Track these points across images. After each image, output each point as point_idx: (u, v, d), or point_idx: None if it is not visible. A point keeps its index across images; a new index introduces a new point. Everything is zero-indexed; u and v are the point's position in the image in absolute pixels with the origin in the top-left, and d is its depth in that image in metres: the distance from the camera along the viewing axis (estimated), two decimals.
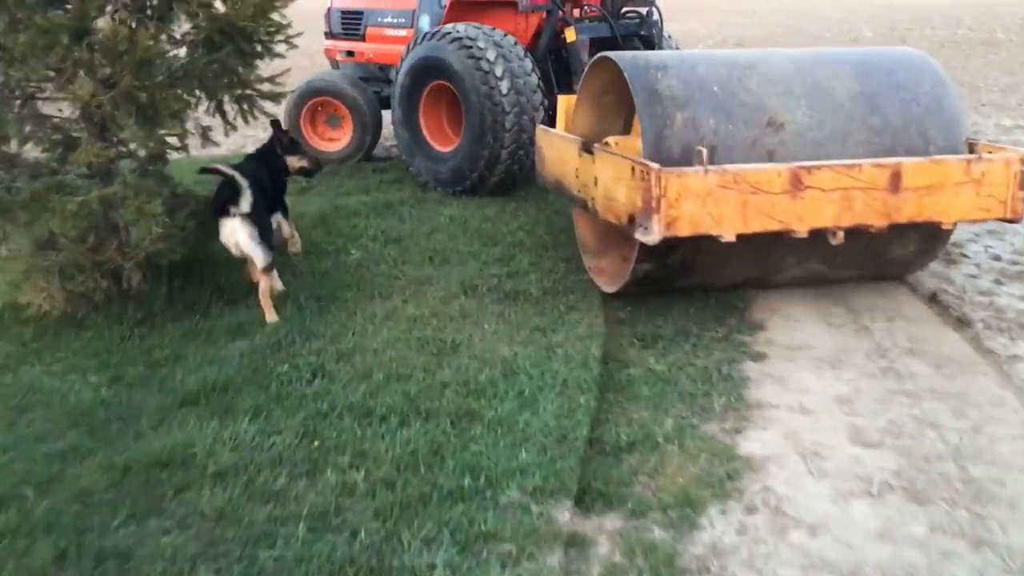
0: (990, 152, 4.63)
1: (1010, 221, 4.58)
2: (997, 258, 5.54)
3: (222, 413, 3.52)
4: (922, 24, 22.57)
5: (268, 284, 4.71)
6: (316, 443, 3.27)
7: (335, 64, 8.86)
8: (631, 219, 4.40)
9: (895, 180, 4.38)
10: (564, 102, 5.73)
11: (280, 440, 3.29)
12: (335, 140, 8.53)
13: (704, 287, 5.02)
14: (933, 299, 4.92)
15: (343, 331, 4.41)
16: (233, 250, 4.76)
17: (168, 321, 4.52)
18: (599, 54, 5.13)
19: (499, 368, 3.94)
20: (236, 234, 4.70)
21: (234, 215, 4.66)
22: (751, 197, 4.26)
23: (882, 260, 5.02)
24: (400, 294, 4.94)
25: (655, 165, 4.19)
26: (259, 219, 4.77)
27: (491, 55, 6.83)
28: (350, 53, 8.67)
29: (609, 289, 5.11)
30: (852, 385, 3.94)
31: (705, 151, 4.24)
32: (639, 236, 4.30)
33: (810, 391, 3.89)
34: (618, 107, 5.47)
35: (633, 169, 4.34)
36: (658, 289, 4.99)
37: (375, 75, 8.58)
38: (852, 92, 4.68)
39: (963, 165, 4.46)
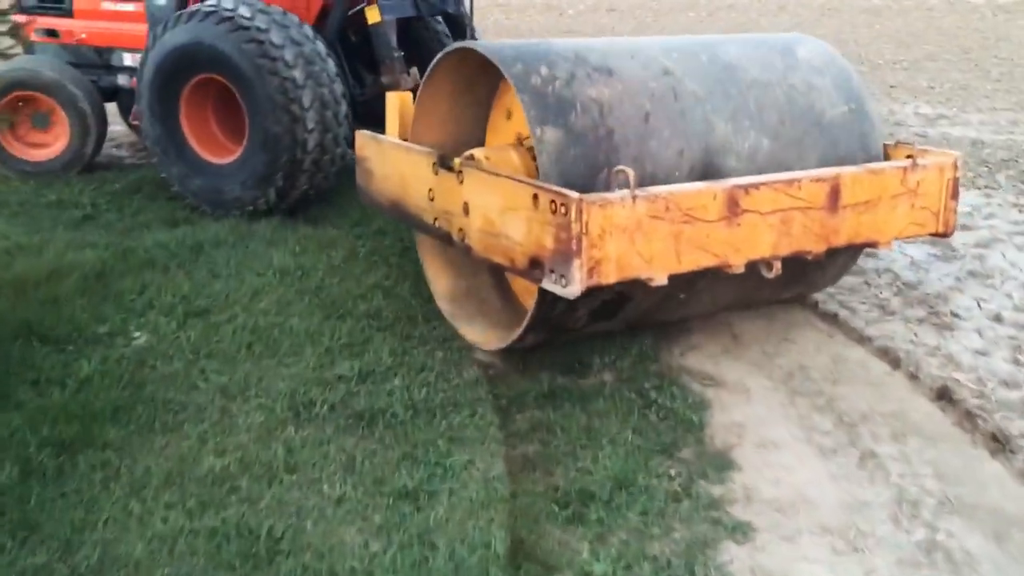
0: (911, 156, 4.01)
1: (941, 236, 4.00)
2: (999, 319, 4.29)
3: None
4: None
5: None
6: None
7: (28, 46, 6.90)
8: (534, 263, 3.31)
9: (834, 196, 3.65)
10: (397, 101, 4.50)
11: None
12: (44, 145, 6.59)
13: (612, 330, 4.04)
14: (944, 397, 3.60)
15: (89, 519, 2.65)
16: None
17: None
18: (458, 44, 3.95)
19: None
20: None
21: None
22: (684, 228, 3.32)
23: (801, 283, 4.30)
24: (196, 421, 3.22)
25: (574, 194, 3.11)
26: None
27: (279, 40, 5.39)
28: (51, 32, 6.81)
29: (484, 345, 4.00)
30: None
31: (631, 172, 3.23)
32: (550, 286, 3.22)
33: None
34: (477, 110, 4.34)
35: (537, 197, 3.23)
36: (555, 341, 3.95)
37: (89, 60, 6.76)
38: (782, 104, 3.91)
39: (900, 174, 3.83)
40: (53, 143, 6.60)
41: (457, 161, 3.76)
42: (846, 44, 13.40)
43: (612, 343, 3.92)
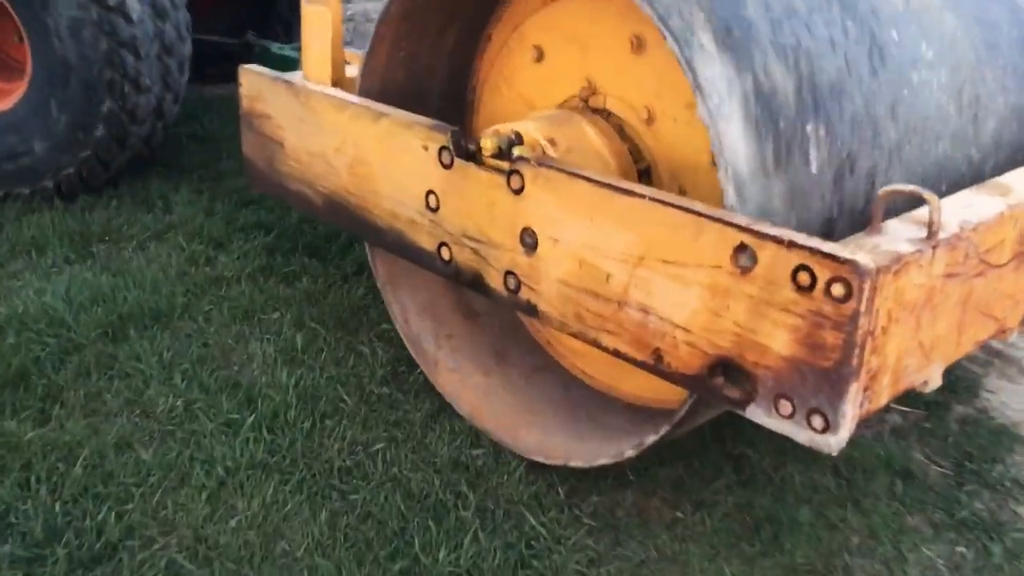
0: None
1: None
2: None
3: None
4: None
5: None
6: None
7: None
8: (721, 370, 1.71)
9: None
10: (324, 17, 2.61)
11: None
12: None
13: None
14: None
15: None
16: None
17: None
18: None
19: None
20: None
21: None
22: (975, 285, 1.82)
23: None
24: None
25: (863, 258, 1.52)
26: None
27: None
28: None
29: (548, 458, 2.33)
30: None
31: (934, 197, 1.66)
32: (775, 423, 1.66)
33: None
34: (462, 39, 2.55)
35: (747, 251, 1.62)
36: None
37: None
38: None
39: None
40: None
41: (488, 143, 2.03)
42: None
43: None
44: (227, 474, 2.18)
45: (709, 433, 2.40)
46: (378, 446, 2.33)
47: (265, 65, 2.79)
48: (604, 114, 2.20)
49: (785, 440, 1.63)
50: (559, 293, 1.96)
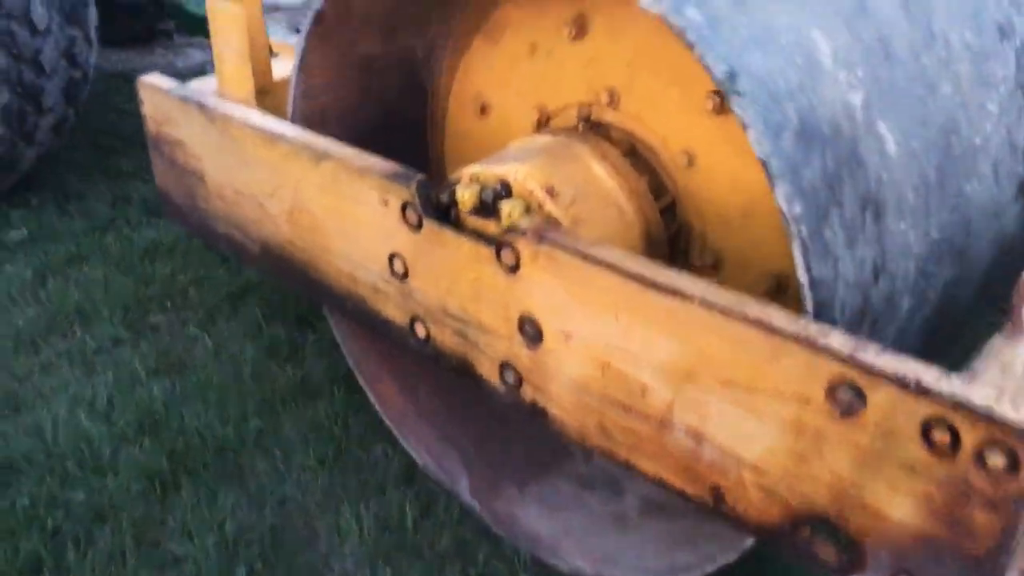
0: None
1: None
2: None
3: None
4: None
5: None
6: None
7: None
8: (807, 526, 1.26)
9: None
10: (240, 15, 2.03)
11: None
12: None
13: None
14: None
15: None
16: None
17: None
18: None
19: None
20: None
21: None
22: None
23: None
24: None
25: None
26: None
27: None
28: None
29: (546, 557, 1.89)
30: None
31: None
32: None
33: None
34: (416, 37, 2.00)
35: (845, 388, 1.15)
36: None
37: None
38: None
39: None
40: None
41: (466, 195, 1.53)
42: None
43: None
44: None
45: None
46: None
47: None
48: (606, 132, 1.70)
49: None
50: (575, 399, 1.50)
